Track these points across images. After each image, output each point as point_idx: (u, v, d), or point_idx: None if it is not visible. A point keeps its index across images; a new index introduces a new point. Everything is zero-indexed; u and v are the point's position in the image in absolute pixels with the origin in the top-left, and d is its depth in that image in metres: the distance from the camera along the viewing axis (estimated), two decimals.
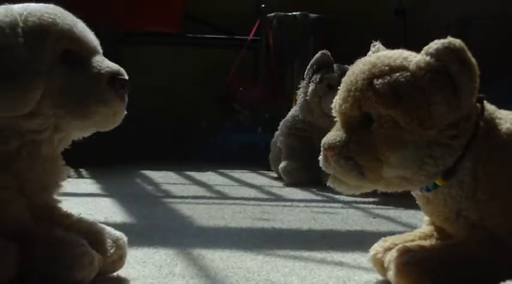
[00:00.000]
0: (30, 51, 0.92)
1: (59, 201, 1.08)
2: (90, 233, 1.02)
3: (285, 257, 1.25)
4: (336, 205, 1.98)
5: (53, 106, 0.96)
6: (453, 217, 1.03)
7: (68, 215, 1.07)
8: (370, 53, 1.09)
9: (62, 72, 0.95)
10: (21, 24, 0.93)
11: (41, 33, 0.94)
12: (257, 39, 3.54)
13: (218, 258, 1.22)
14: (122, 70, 1.00)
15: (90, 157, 2.82)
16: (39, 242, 0.94)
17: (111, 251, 1.02)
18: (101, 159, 2.89)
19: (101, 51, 1.02)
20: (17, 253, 0.92)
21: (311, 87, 2.48)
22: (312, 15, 3.57)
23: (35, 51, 0.93)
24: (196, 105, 3.59)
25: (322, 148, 1.02)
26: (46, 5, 0.99)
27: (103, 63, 0.98)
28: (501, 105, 1.08)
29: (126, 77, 1.00)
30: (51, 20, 0.95)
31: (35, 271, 0.93)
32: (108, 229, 1.06)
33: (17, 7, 0.97)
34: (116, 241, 1.04)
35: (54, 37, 0.95)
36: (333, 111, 1.05)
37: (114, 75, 0.97)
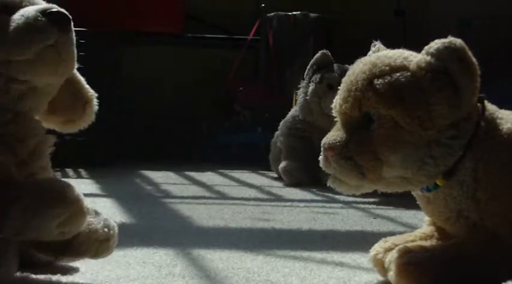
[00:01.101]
0: None
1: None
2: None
3: (285, 257, 1.25)
4: (336, 205, 1.98)
5: None
6: (454, 217, 1.03)
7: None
8: (370, 52, 1.09)
9: (1, 21, 0.96)
10: None
11: None
12: (257, 39, 3.54)
13: (218, 258, 1.22)
14: (61, 9, 0.99)
15: (90, 158, 2.83)
16: (22, 187, 0.92)
17: (98, 226, 1.00)
18: (100, 159, 2.88)
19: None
20: (17, 255, 0.91)
21: (311, 87, 2.47)
22: (312, 15, 3.57)
23: None
24: (196, 105, 3.58)
25: (322, 148, 1.01)
26: None
27: (40, 5, 0.99)
28: (501, 105, 1.08)
29: (64, 12, 0.99)
30: None
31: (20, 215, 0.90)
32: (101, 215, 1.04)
33: None
34: (103, 220, 1.02)
35: None
36: (333, 111, 1.05)
37: (49, 8, 0.97)
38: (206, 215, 1.71)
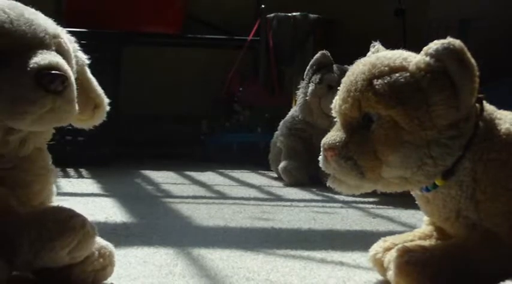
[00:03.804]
0: None
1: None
2: None
3: (284, 257, 1.25)
4: (335, 205, 1.98)
5: None
6: (453, 217, 1.03)
7: None
8: (369, 53, 1.10)
9: None
10: None
11: None
12: (257, 39, 3.54)
13: (218, 258, 1.22)
14: (54, 62, 0.93)
15: (90, 158, 2.83)
16: (26, 220, 0.91)
17: (93, 258, 0.98)
18: (101, 159, 2.89)
19: (47, 43, 0.96)
20: (5, 259, 0.90)
21: (311, 87, 2.48)
22: (311, 15, 3.57)
23: None
24: (196, 105, 3.59)
25: (322, 149, 1.02)
26: None
27: (33, 59, 0.92)
28: (501, 105, 1.08)
29: (59, 68, 0.93)
30: None
31: (30, 251, 0.90)
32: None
33: None
34: (99, 249, 1.00)
35: None
36: (332, 111, 1.05)
37: (40, 71, 0.91)
38: (206, 215, 1.72)
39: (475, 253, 0.99)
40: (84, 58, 1.08)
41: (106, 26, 3.11)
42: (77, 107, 0.98)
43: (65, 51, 1.00)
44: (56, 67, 0.92)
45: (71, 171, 2.62)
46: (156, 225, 1.55)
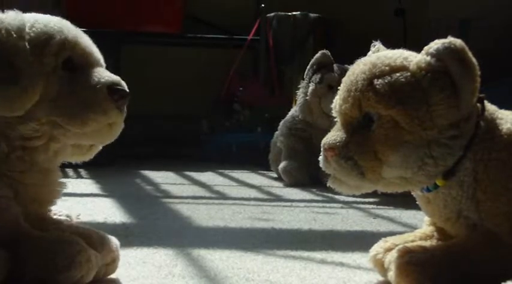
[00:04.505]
0: (33, 54, 0.95)
1: (49, 210, 1.08)
2: (82, 237, 1.01)
3: (285, 257, 1.25)
4: (336, 205, 1.98)
5: (49, 111, 0.97)
6: (454, 217, 1.03)
7: (59, 222, 1.07)
8: (370, 53, 1.09)
9: (62, 78, 0.98)
10: (27, 29, 0.97)
11: (45, 38, 0.97)
12: (257, 39, 3.54)
13: (218, 258, 1.22)
14: (122, 82, 1.01)
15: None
16: (34, 246, 0.94)
17: (103, 253, 1.01)
18: (101, 159, 2.88)
19: (104, 65, 1.04)
20: (6, 258, 0.91)
21: (311, 87, 2.47)
22: (311, 15, 3.57)
23: (37, 55, 0.95)
24: (196, 105, 3.59)
25: (322, 149, 1.02)
26: (53, 17, 1.02)
27: (104, 73, 1.01)
28: (501, 105, 1.08)
29: (126, 88, 1.01)
30: (56, 28, 0.99)
31: (31, 275, 0.93)
32: (101, 232, 1.06)
33: (27, 15, 1.00)
34: (108, 244, 1.03)
35: (58, 43, 0.97)
36: (333, 111, 1.05)
37: (113, 85, 0.99)
38: (206, 215, 1.71)
39: (476, 253, 0.99)
40: None
41: (105, 26, 3.11)
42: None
43: None
44: (123, 85, 1.01)
45: (69, 171, 2.62)
46: (155, 225, 1.55)
